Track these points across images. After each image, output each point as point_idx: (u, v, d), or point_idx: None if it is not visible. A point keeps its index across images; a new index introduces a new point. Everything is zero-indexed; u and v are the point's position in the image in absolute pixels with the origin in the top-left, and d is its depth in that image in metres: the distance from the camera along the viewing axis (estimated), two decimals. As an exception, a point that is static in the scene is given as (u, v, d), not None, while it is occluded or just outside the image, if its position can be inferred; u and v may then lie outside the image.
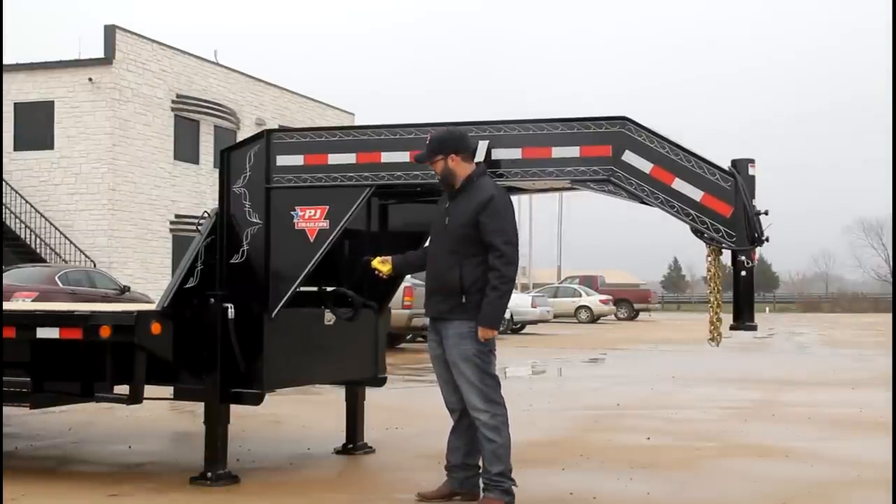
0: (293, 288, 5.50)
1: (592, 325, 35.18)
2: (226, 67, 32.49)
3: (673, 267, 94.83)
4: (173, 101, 29.58)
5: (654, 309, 46.50)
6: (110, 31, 27.67)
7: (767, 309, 61.39)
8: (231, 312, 5.52)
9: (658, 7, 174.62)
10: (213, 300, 5.54)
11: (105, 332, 5.37)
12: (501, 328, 5.34)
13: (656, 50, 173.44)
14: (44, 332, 5.51)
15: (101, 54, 27.66)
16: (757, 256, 5.03)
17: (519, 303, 25.53)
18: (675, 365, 16.01)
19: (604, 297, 38.62)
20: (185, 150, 30.14)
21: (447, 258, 5.05)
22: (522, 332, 27.41)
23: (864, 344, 22.69)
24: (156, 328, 5.40)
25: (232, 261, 5.65)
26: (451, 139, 5.08)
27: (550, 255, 53.37)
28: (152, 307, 5.85)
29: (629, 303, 42.81)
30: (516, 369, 14.93)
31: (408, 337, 19.00)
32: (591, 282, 42.71)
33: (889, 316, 37.08)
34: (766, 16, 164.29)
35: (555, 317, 32.05)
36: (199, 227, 5.79)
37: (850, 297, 70.29)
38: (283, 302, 5.50)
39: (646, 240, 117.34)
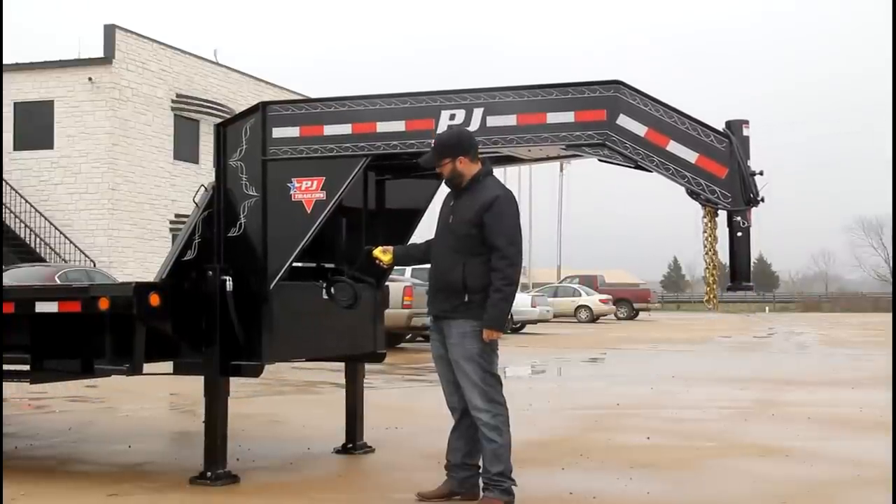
0: (291, 259, 5.52)
1: (592, 325, 35.17)
2: (226, 67, 32.49)
3: (672, 267, 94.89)
4: (173, 101, 29.58)
5: (653, 308, 46.46)
6: (110, 31, 27.69)
7: (767, 308, 61.41)
8: (229, 285, 5.53)
9: (649, 6, 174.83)
10: (210, 273, 5.56)
11: (104, 304, 5.38)
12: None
13: (649, 48, 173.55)
14: (43, 307, 5.51)
15: (100, 54, 27.68)
16: (752, 217, 5.03)
17: (519, 302, 25.49)
18: (675, 365, 16.01)
19: (604, 296, 38.60)
20: (185, 149, 30.14)
21: (451, 257, 5.05)
22: (522, 331, 27.40)
23: (864, 344, 22.67)
24: (154, 300, 5.39)
25: (229, 234, 5.66)
26: (458, 142, 5.08)
27: (550, 254, 53.41)
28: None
29: (629, 302, 42.79)
30: (516, 369, 14.92)
31: (407, 337, 19.00)
32: (590, 281, 42.67)
33: (889, 316, 37.09)
34: (765, 15, 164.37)
35: (555, 316, 32.03)
36: (196, 201, 5.81)
37: (850, 296, 70.24)
38: (281, 273, 5.52)
39: (646, 240, 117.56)
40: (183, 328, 5.58)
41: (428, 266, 5.32)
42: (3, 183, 26.22)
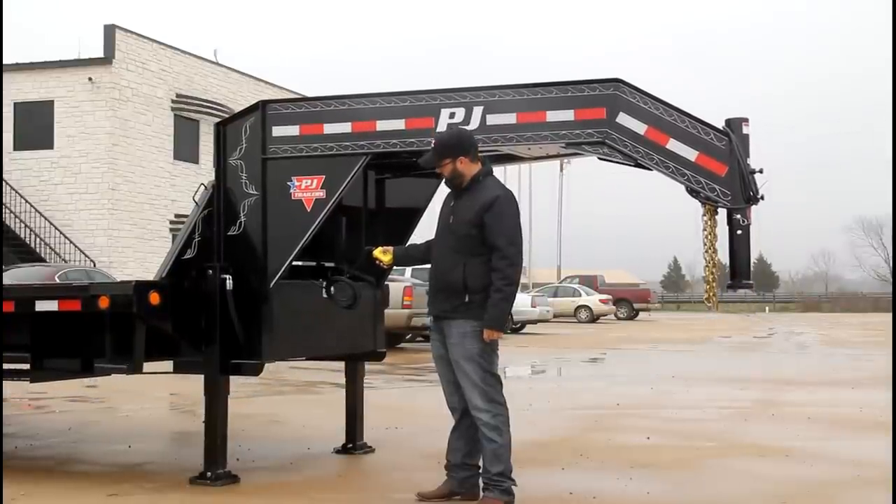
0: (291, 258, 5.53)
1: (592, 325, 35.17)
2: (226, 67, 32.50)
3: (672, 267, 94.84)
4: (173, 101, 29.58)
5: (653, 309, 46.46)
6: (110, 31, 27.70)
7: (767, 308, 61.39)
8: (229, 284, 5.53)
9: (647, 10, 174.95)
10: (210, 272, 5.56)
11: (104, 302, 5.38)
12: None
13: (649, 48, 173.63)
14: (43, 305, 5.51)
15: (101, 54, 27.69)
16: (752, 215, 5.03)
17: (519, 302, 25.48)
18: (675, 365, 16.00)
19: (603, 296, 38.59)
20: (185, 149, 30.15)
21: (451, 257, 5.04)
22: (522, 331, 27.40)
23: (864, 344, 22.67)
24: (154, 298, 5.39)
25: (229, 233, 5.67)
26: (459, 142, 5.08)
27: (550, 254, 53.43)
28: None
29: (629, 302, 42.77)
30: (516, 369, 14.92)
31: (407, 337, 19.00)
32: (590, 281, 42.66)
33: (889, 316, 37.08)
34: (766, 15, 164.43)
35: (555, 316, 32.02)
36: (196, 199, 5.81)
37: (850, 296, 70.19)
38: (281, 272, 5.53)
39: (646, 240, 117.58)
40: (183, 327, 5.58)
41: (428, 266, 5.32)
42: (3, 183, 26.22)
